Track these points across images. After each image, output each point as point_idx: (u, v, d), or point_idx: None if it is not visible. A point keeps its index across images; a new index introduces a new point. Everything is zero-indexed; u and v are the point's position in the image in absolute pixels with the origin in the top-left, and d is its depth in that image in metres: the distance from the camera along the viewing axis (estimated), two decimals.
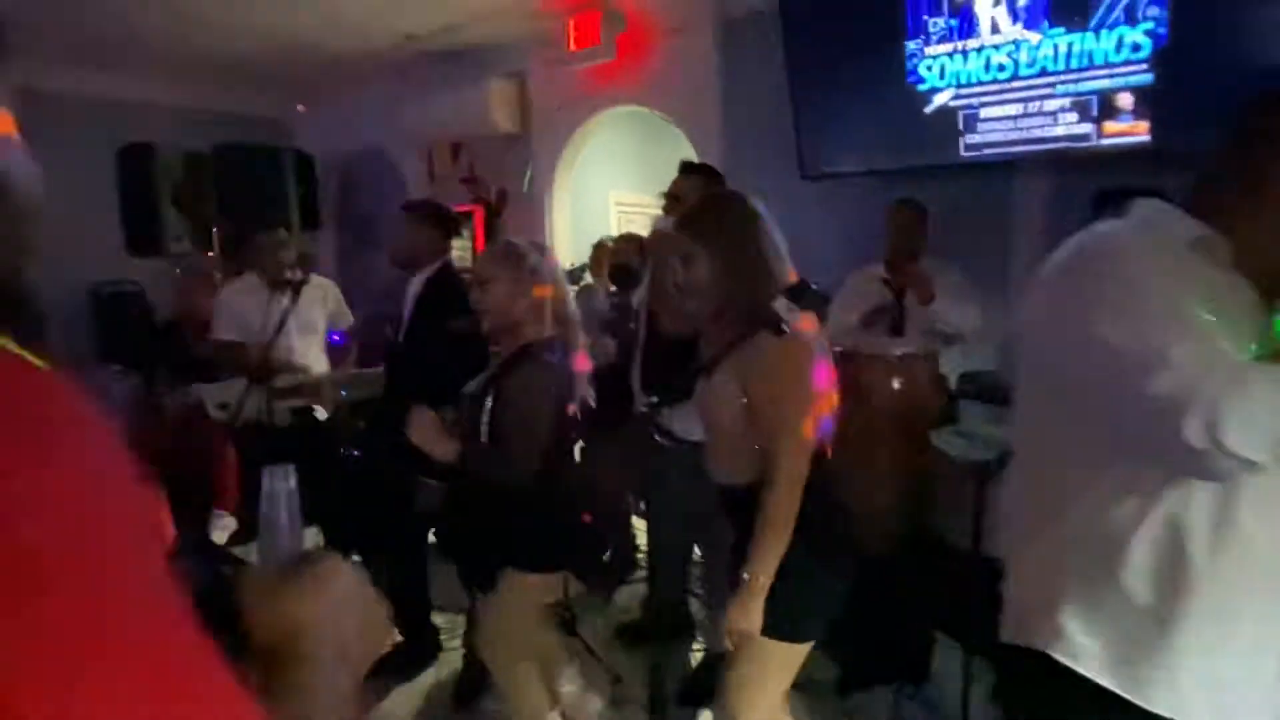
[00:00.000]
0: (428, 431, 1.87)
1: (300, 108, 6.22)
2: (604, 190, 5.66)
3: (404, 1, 4.14)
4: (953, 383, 2.99)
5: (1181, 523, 0.90)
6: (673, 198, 2.66)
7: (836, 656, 2.67)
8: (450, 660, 2.82)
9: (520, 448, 1.83)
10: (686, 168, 2.76)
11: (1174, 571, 0.91)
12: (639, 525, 3.58)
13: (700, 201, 1.68)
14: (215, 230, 4.69)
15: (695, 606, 3.10)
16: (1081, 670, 0.96)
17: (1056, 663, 0.98)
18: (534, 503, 1.88)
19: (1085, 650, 0.96)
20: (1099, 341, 0.89)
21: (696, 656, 2.87)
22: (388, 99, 5.55)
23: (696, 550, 2.98)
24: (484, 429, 1.95)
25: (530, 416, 1.85)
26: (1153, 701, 0.94)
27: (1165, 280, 0.89)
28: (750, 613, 1.51)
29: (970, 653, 2.10)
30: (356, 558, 3.50)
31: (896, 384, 2.81)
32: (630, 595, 3.34)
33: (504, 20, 4.43)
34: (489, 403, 1.93)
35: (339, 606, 0.56)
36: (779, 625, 1.52)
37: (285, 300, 2.21)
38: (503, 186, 5.28)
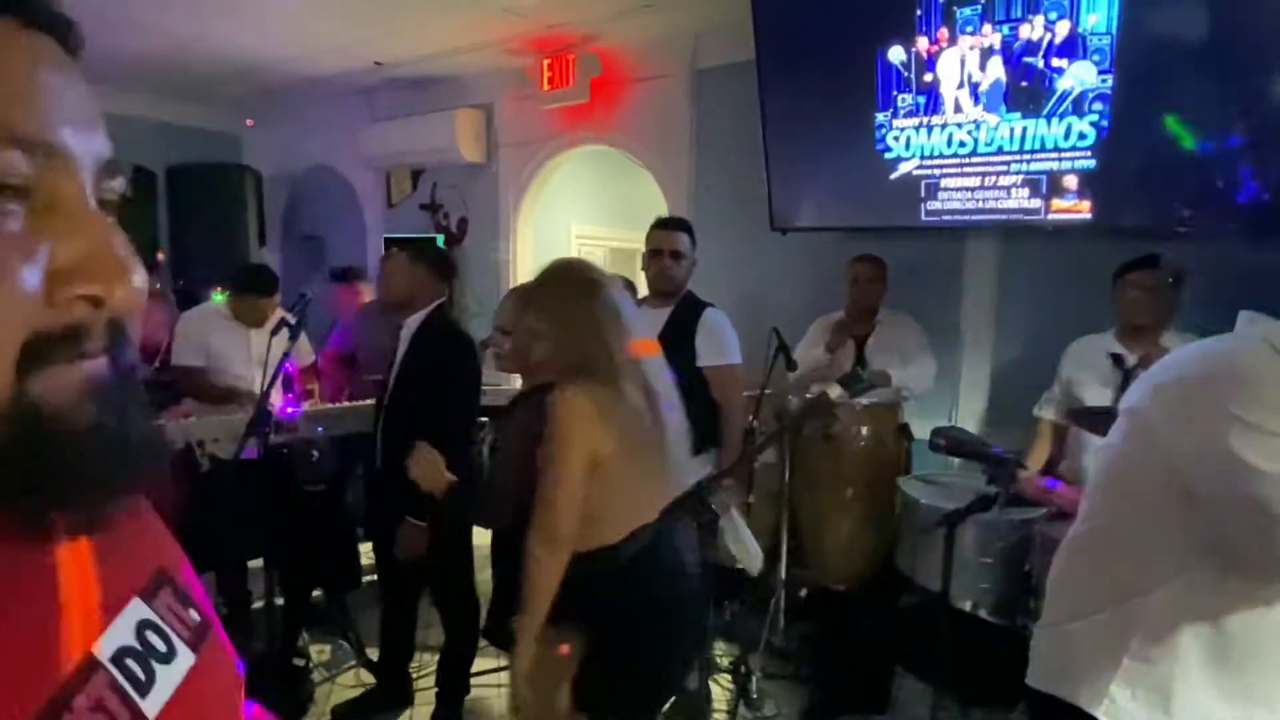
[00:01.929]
0: (428, 467, 1.86)
1: (249, 122, 6.05)
2: (565, 222, 5.73)
3: (378, 32, 4.14)
4: (924, 434, 3.22)
5: (1260, 618, 1.06)
6: (654, 252, 2.76)
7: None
8: (423, 699, 2.81)
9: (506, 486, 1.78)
10: (662, 223, 2.83)
11: (1240, 660, 1.07)
12: None
13: (541, 272, 1.73)
14: (162, 249, 4.54)
15: None
16: None
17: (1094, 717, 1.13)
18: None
19: (1129, 714, 1.11)
20: (1243, 463, 0.99)
21: None
22: (346, 119, 5.48)
23: None
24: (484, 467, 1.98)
25: (515, 456, 1.80)
26: None
27: None
28: (522, 658, 1.52)
29: (939, 690, 2.25)
30: (318, 593, 3.45)
31: (863, 431, 3.00)
32: None
33: (477, 55, 4.48)
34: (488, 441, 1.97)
35: None
36: (597, 708, 1.51)
37: (285, 340, 2.18)
38: (463, 215, 5.30)
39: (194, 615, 0.50)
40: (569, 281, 1.63)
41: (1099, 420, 2.37)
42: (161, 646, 0.46)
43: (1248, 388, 1.02)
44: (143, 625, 0.45)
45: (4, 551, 0.37)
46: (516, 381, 2.65)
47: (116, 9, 3.73)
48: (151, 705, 0.43)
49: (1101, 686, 1.14)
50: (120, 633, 0.43)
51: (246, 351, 2.99)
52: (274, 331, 2.27)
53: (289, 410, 2.86)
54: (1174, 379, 1.13)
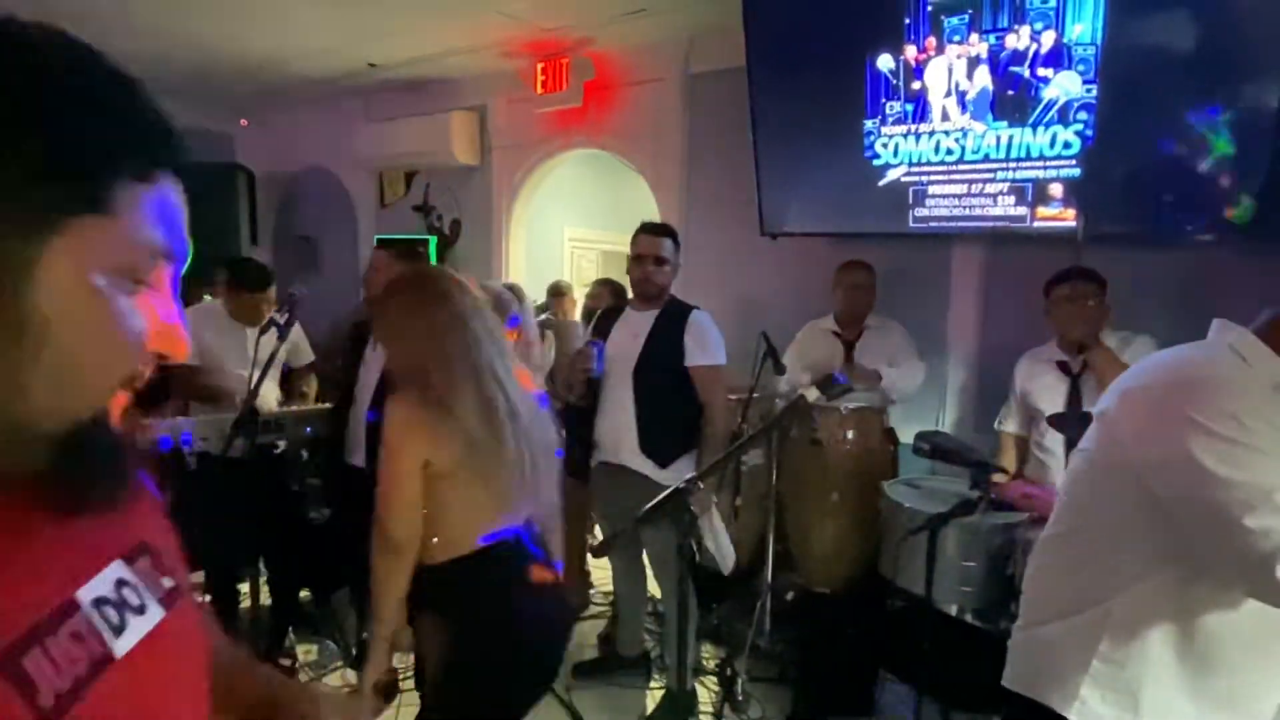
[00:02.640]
0: None
1: (242, 122, 6.05)
2: (558, 225, 5.75)
3: (372, 32, 4.15)
4: (910, 439, 3.25)
5: (1225, 622, 1.08)
6: (638, 257, 2.76)
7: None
8: (409, 698, 2.81)
9: None
10: (647, 228, 2.82)
11: (1206, 662, 1.09)
12: (593, 564, 3.65)
13: (391, 279, 1.69)
14: None
15: (652, 645, 3.20)
16: None
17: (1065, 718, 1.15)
18: None
19: (1099, 715, 1.13)
20: (1200, 467, 0.99)
21: (655, 695, 2.96)
22: (340, 120, 5.50)
23: (656, 590, 3.08)
24: None
25: None
26: None
27: (1264, 422, 1.00)
28: (373, 665, 1.55)
29: (923, 693, 2.27)
30: (306, 594, 3.45)
31: (849, 435, 3.02)
32: (586, 633, 3.39)
33: (472, 57, 4.50)
34: None
35: None
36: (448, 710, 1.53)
37: (274, 340, 2.19)
38: (456, 216, 5.31)
39: (168, 582, 0.61)
40: (415, 290, 1.58)
41: (1066, 422, 2.43)
42: (135, 601, 0.57)
43: (1210, 394, 1.03)
44: (121, 582, 0.56)
45: (13, 516, 0.49)
46: None
47: (113, 7, 3.74)
48: (122, 645, 0.54)
49: (1072, 688, 1.15)
50: (101, 585, 0.55)
51: (243, 350, 2.97)
52: (262, 330, 2.28)
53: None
54: (1141, 385, 1.14)
